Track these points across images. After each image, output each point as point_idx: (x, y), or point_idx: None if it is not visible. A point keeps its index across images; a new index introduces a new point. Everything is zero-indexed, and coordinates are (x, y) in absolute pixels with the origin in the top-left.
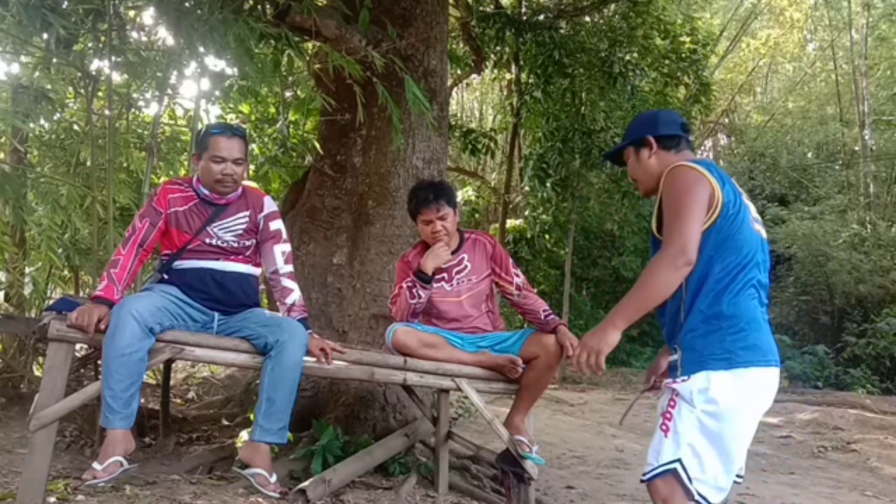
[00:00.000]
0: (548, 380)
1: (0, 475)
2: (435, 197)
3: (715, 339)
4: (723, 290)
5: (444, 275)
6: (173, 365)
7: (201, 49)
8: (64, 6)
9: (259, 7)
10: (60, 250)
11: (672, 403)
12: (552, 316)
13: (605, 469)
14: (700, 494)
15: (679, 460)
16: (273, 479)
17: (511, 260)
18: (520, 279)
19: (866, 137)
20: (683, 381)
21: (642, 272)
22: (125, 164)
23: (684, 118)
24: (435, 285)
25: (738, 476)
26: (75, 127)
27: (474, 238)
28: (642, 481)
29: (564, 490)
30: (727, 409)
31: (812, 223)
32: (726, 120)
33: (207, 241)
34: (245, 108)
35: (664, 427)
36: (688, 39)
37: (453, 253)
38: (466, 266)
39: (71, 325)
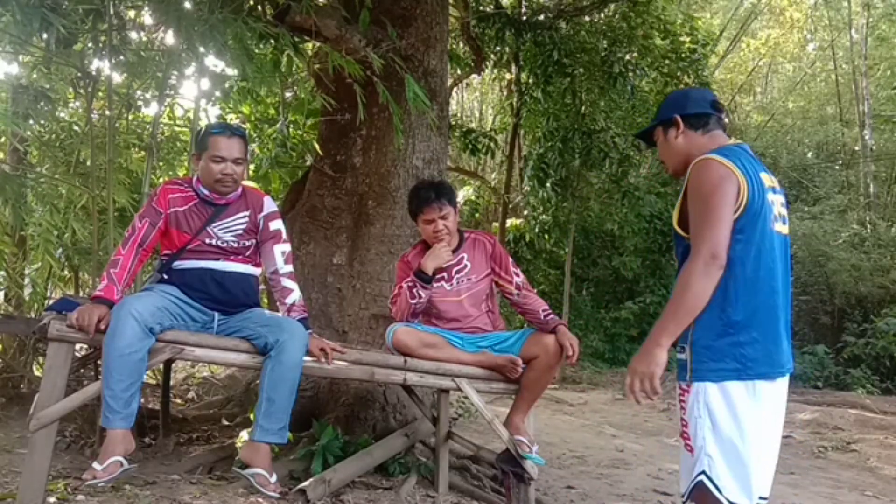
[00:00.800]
0: (548, 380)
1: (0, 475)
2: (437, 196)
3: (726, 346)
4: (741, 295)
5: (444, 274)
6: (173, 365)
7: (201, 49)
8: (64, 6)
9: (259, 7)
10: (60, 250)
11: (683, 410)
12: (552, 316)
13: (605, 469)
14: (731, 502)
15: (703, 472)
16: (273, 479)
17: (511, 259)
18: (519, 279)
19: (866, 137)
20: (689, 386)
21: (676, 282)
22: (125, 165)
23: (715, 97)
24: (435, 285)
25: (762, 499)
26: (75, 127)
27: (474, 237)
28: (683, 502)
29: (564, 490)
30: (736, 419)
31: (812, 223)
32: (726, 120)
33: (207, 241)
34: (245, 109)
35: (688, 447)
36: (688, 39)
37: (453, 252)
38: (466, 265)
39: (71, 326)
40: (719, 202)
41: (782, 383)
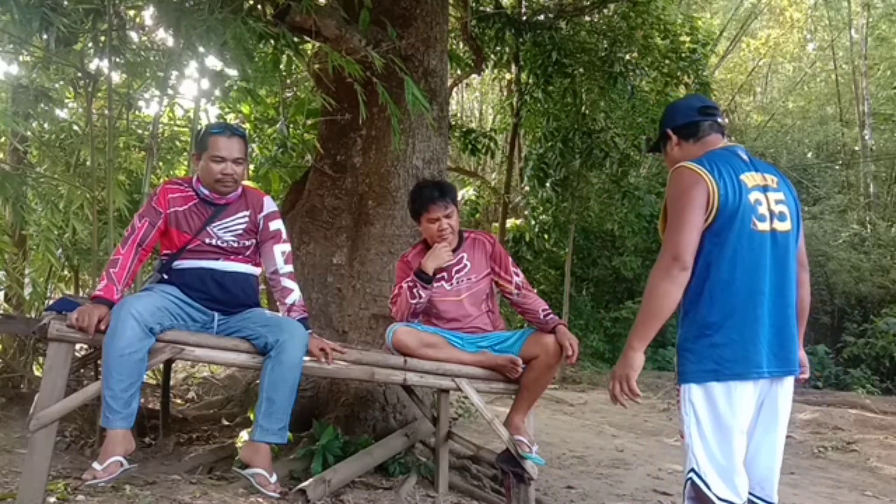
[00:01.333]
0: (547, 380)
1: (0, 475)
2: (441, 195)
3: (704, 347)
4: (716, 297)
5: (444, 274)
6: (173, 365)
7: (201, 49)
8: (64, 6)
9: (259, 7)
10: (60, 250)
11: (679, 410)
12: (551, 315)
13: (605, 469)
14: (720, 498)
15: (692, 469)
16: (273, 479)
17: (511, 259)
18: (519, 278)
19: (866, 137)
20: (678, 390)
21: (647, 284)
22: (125, 165)
23: (707, 101)
24: (434, 285)
25: (760, 499)
26: (75, 127)
27: (473, 237)
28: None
29: (564, 490)
30: (717, 419)
31: (812, 223)
32: (726, 120)
33: (207, 241)
34: (245, 109)
35: (685, 445)
36: (688, 39)
37: (453, 252)
38: (466, 265)
39: (71, 326)
40: (685, 207)
41: (770, 386)
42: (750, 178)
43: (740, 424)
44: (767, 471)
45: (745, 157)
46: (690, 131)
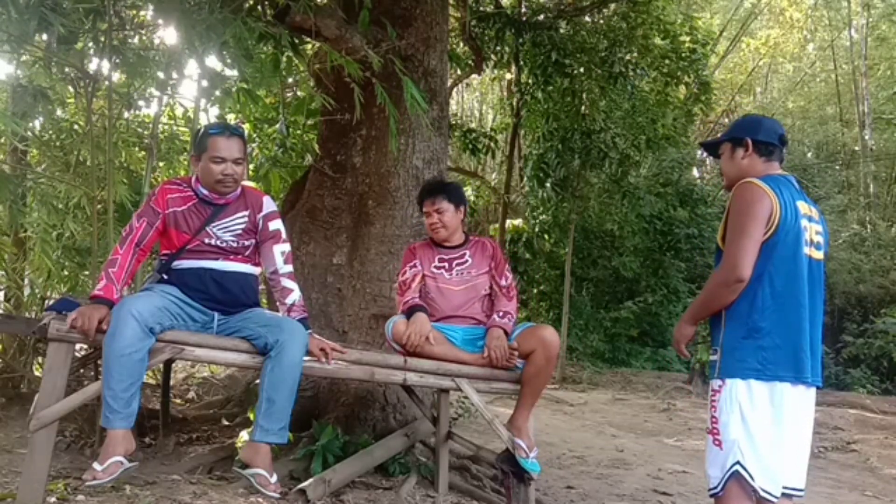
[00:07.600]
0: (548, 373)
1: (0, 475)
2: (434, 191)
3: (750, 347)
4: (768, 305)
5: (445, 264)
6: (173, 365)
7: (201, 49)
8: (64, 6)
9: (259, 7)
10: (59, 251)
11: (714, 408)
12: (506, 318)
13: (605, 469)
14: (764, 490)
15: (738, 462)
16: (273, 479)
17: (507, 265)
18: (506, 281)
19: (866, 137)
20: (720, 385)
21: (707, 281)
22: (125, 164)
23: (784, 130)
24: (435, 271)
25: (796, 490)
26: (75, 127)
27: (476, 240)
28: (713, 496)
29: (564, 490)
30: (760, 415)
31: None
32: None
33: (207, 241)
34: (245, 108)
35: (717, 442)
36: (688, 39)
37: (457, 248)
38: (468, 260)
39: (72, 327)
40: (749, 221)
41: (804, 392)
42: (802, 206)
43: (783, 422)
44: (798, 463)
45: (797, 186)
46: (767, 150)
